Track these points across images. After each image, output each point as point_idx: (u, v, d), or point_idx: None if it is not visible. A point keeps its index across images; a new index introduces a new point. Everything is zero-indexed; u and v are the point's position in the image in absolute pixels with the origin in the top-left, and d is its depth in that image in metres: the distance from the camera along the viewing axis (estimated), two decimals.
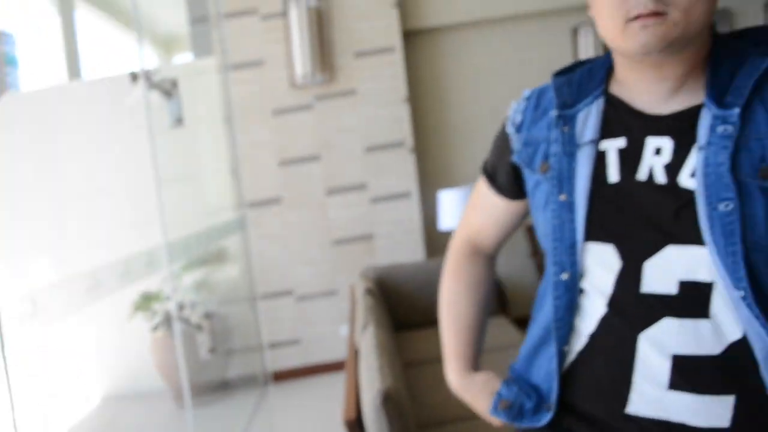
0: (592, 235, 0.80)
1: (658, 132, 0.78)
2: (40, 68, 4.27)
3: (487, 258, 1.06)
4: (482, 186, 1.01)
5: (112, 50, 4.62)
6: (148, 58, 4.20)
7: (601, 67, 0.87)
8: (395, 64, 3.45)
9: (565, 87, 0.88)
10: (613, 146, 0.81)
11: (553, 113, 0.87)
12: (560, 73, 0.91)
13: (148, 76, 3.01)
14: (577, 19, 3.84)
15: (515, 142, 0.92)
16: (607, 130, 0.82)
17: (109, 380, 2.90)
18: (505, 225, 1.01)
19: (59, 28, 4.18)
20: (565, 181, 0.83)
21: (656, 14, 0.70)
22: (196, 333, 2.89)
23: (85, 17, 4.38)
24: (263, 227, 3.43)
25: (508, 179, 0.96)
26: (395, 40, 3.45)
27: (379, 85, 3.44)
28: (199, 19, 3.68)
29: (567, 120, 0.85)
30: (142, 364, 2.96)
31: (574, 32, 3.84)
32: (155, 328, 2.79)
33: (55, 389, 2.50)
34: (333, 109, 3.43)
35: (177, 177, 3.00)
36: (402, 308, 3.08)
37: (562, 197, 0.83)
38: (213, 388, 3.04)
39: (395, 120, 3.46)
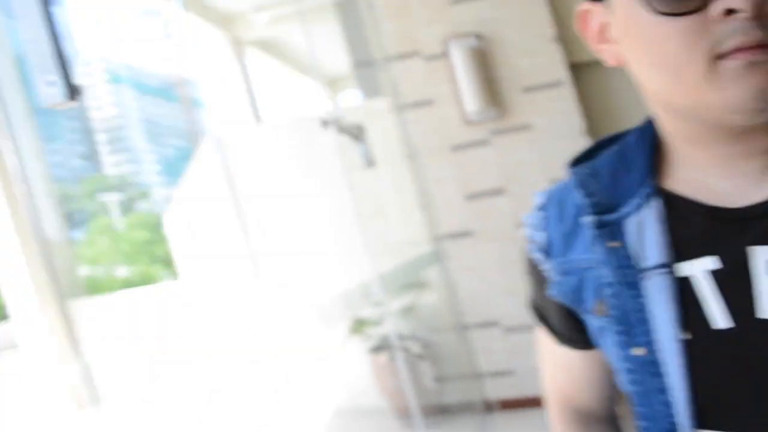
0: (706, 418, 0.52)
1: (766, 236, 0.51)
2: (224, 112, 4.76)
3: (603, 422, 0.71)
4: (542, 333, 0.70)
5: (285, 93, 5.06)
6: (321, 99, 4.60)
7: (638, 148, 0.60)
8: (565, 97, 3.64)
9: (591, 181, 0.60)
10: (700, 270, 0.53)
11: (588, 221, 0.58)
12: (578, 161, 0.64)
13: (337, 121, 3.36)
14: None
15: (548, 270, 0.63)
16: (681, 247, 0.54)
17: (334, 397, 3.29)
18: (605, 379, 0.67)
19: (238, 73, 4.61)
20: (636, 326, 0.55)
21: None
22: (418, 361, 3.23)
23: (254, 61, 4.81)
24: (458, 259, 3.72)
25: (565, 324, 0.65)
26: (561, 74, 3.64)
27: (553, 118, 3.63)
28: (363, 62, 4.00)
29: (613, 232, 0.56)
30: (361, 383, 3.33)
31: None
32: (375, 351, 3.16)
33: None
34: (510, 143, 3.63)
35: (372, 213, 3.36)
36: None
37: (637, 351, 0.55)
38: (434, 412, 3.36)
39: (575, 154, 3.60)
